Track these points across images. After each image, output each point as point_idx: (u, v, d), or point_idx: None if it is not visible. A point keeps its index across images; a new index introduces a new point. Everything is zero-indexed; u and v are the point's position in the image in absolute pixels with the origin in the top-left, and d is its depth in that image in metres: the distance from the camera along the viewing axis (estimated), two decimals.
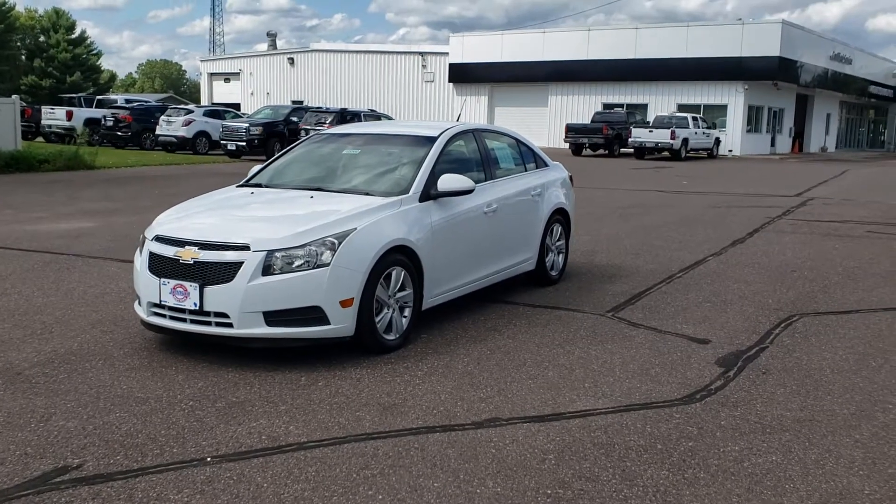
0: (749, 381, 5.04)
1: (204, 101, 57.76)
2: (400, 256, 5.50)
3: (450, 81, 47.45)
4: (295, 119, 27.50)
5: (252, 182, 6.57)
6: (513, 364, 5.28)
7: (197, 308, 5.03)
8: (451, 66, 46.95)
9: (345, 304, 5.10)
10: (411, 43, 54.96)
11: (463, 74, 46.58)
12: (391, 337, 5.48)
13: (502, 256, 6.89)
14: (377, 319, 5.34)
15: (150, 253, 5.34)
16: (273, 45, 60.63)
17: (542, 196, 7.52)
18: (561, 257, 7.96)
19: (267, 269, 4.99)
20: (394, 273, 5.46)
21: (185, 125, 28.89)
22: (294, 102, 43.63)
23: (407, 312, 5.64)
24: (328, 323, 5.08)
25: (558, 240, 7.87)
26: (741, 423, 4.34)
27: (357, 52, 53.28)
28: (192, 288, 5.03)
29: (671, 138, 33.72)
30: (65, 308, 6.59)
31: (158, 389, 4.71)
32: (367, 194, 5.84)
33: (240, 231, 5.22)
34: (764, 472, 3.77)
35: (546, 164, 7.96)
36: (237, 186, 6.54)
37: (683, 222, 12.96)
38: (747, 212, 14.63)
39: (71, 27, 70.94)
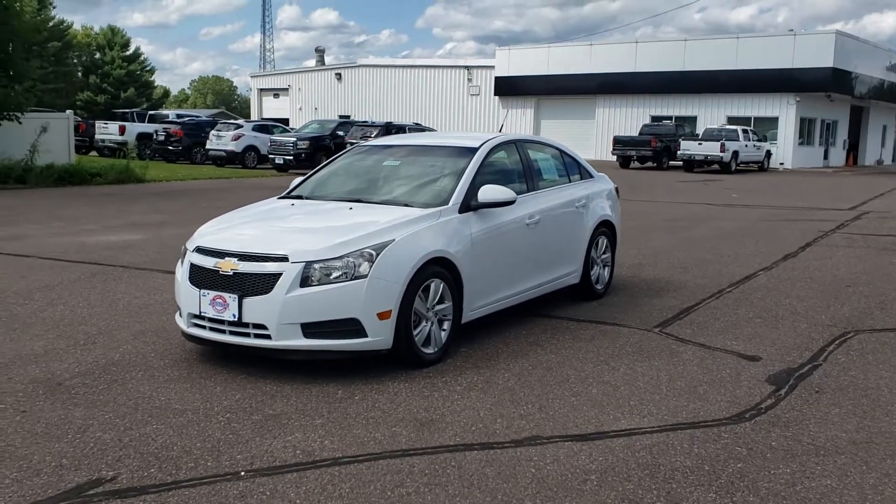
0: (801, 401, 4.83)
1: (254, 116, 58.61)
2: (439, 268, 5.41)
3: (495, 94, 47.40)
4: (341, 133, 27.69)
5: (293, 194, 6.56)
6: (555, 380, 5.15)
7: (236, 319, 5.00)
8: (497, 79, 46.90)
9: (382, 316, 5.03)
10: (457, 57, 55.15)
11: (509, 87, 46.50)
12: (429, 350, 5.39)
13: (545, 269, 6.76)
14: (415, 332, 5.26)
15: (191, 264, 5.33)
16: (321, 61, 61.30)
17: (587, 208, 7.38)
18: (606, 270, 7.79)
19: (305, 281, 4.95)
20: (432, 285, 5.38)
21: (235, 139, 29.26)
22: (341, 117, 43.98)
23: (446, 325, 5.55)
24: (365, 335, 5.01)
25: (603, 253, 7.72)
26: (793, 445, 4.15)
27: (403, 66, 53.58)
28: (231, 299, 5.01)
29: (721, 151, 33.18)
30: (109, 319, 6.64)
31: (196, 401, 4.68)
32: (407, 205, 5.77)
33: (279, 242, 5.19)
34: (818, 496, 3.58)
35: (591, 176, 7.82)
36: (279, 198, 6.53)
37: (733, 235, 12.66)
38: (799, 225, 14.25)
39: (126, 44, 72.57)
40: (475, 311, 5.90)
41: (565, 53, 45.27)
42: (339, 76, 55.45)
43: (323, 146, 27.23)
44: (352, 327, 4.98)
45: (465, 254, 5.63)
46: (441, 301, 5.47)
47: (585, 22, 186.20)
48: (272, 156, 27.31)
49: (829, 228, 13.58)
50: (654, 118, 41.88)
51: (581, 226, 7.29)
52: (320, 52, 61.59)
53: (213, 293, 5.09)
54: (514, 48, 47.72)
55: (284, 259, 4.99)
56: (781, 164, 39.04)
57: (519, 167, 6.72)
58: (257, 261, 5.04)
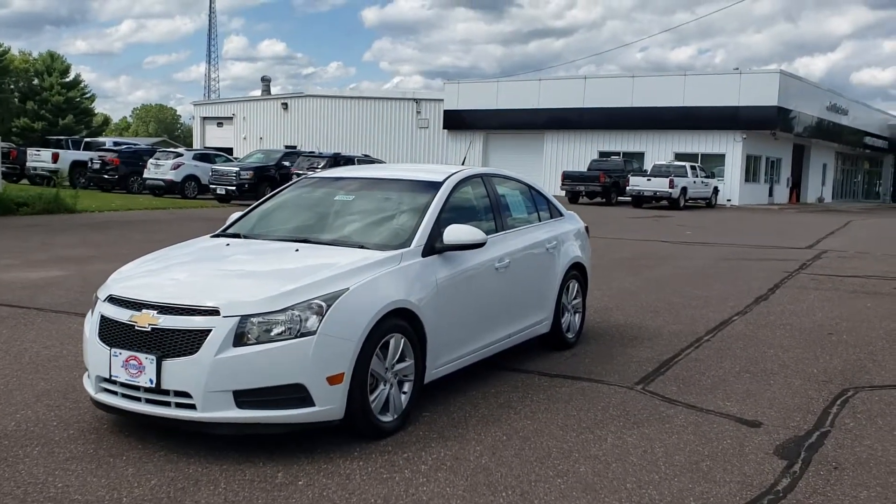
0: (821, 480, 4.16)
1: (196, 144, 57.24)
2: (399, 321, 4.64)
3: (444, 128, 47.00)
4: (287, 163, 26.80)
5: (230, 231, 5.72)
6: (535, 455, 4.39)
7: (153, 385, 4.14)
8: (446, 112, 46.53)
9: (333, 380, 4.22)
10: (405, 91, 54.62)
11: (458, 121, 46.15)
12: (388, 418, 4.59)
13: (515, 318, 6.03)
14: (372, 398, 4.46)
15: (102, 317, 4.46)
16: (267, 90, 60.28)
17: (558, 249, 6.70)
18: (577, 317, 7.11)
19: (239, 339, 4.12)
20: (392, 341, 4.60)
21: (174, 168, 28.12)
22: (287, 147, 42.93)
23: (407, 387, 4.76)
24: (312, 404, 4.19)
25: (574, 298, 7.03)
26: None
27: (351, 97, 52.93)
28: (147, 361, 4.15)
29: (670, 187, 33.18)
30: (10, 375, 5.69)
31: (101, 489, 3.81)
32: (362, 247, 4.99)
33: (208, 291, 4.36)
34: None
35: (561, 214, 7.15)
36: (212, 237, 5.69)
37: (697, 276, 12.15)
38: (762, 265, 13.83)
39: (65, 70, 70.61)
40: (439, 370, 5.13)
41: (514, 88, 45.13)
42: (285, 106, 54.52)
43: (267, 176, 26.29)
44: (296, 395, 4.17)
45: (428, 304, 4.87)
46: (402, 359, 4.69)
47: (530, 59, 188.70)
48: (214, 186, 26.24)
49: (793, 269, 13.17)
50: (602, 154, 41.86)
51: (552, 269, 6.59)
52: (266, 82, 60.62)
53: (126, 353, 4.23)
54: (463, 82, 47.50)
55: (214, 312, 4.16)
56: (728, 200, 39.26)
57: (486, 204, 6.01)
58: (181, 314, 4.20)
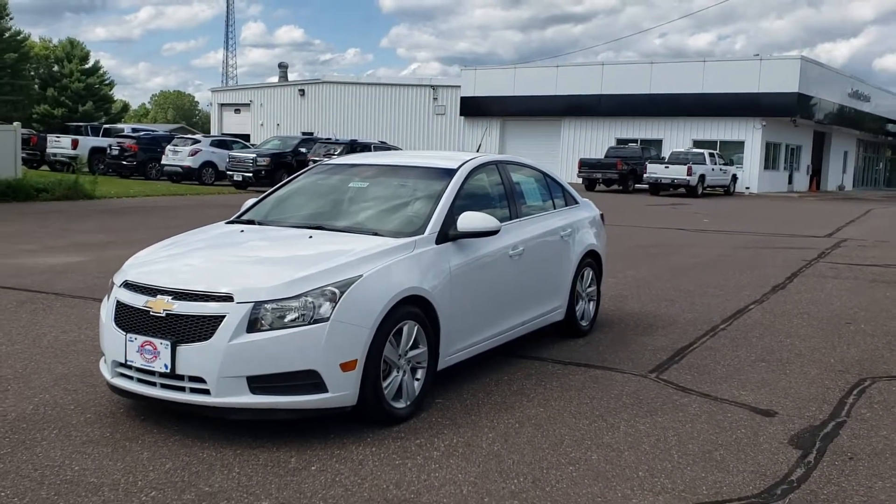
0: (836, 470, 4.13)
1: (214, 131, 57.44)
2: (413, 308, 4.64)
3: (461, 115, 46.88)
4: (304, 150, 26.83)
5: (244, 218, 5.74)
6: (548, 442, 4.39)
7: (168, 370, 4.18)
8: (463, 99, 46.41)
9: (346, 367, 4.24)
10: (422, 77, 54.53)
11: (475, 108, 46.02)
12: (401, 405, 4.61)
13: (529, 306, 6.03)
14: (385, 384, 4.48)
15: (117, 302, 4.49)
16: (284, 77, 60.36)
17: (573, 237, 6.68)
18: (592, 305, 7.09)
19: (253, 325, 4.14)
20: (405, 328, 4.60)
21: (192, 155, 28.24)
22: (304, 134, 43.08)
23: (420, 374, 4.77)
24: (325, 390, 4.21)
25: (589, 286, 7.01)
26: None
27: (368, 84, 52.91)
28: (162, 346, 4.18)
29: (688, 174, 32.91)
30: (29, 359, 5.76)
31: (116, 472, 3.85)
32: (376, 234, 5.00)
33: (222, 277, 4.38)
34: None
35: (576, 202, 7.12)
36: (226, 223, 5.71)
37: (713, 264, 12.08)
38: (780, 253, 13.73)
39: (85, 57, 70.94)
40: (453, 357, 5.14)
41: (531, 75, 44.92)
42: (302, 92, 54.58)
43: (284, 163, 26.32)
44: (309, 381, 4.18)
45: (442, 291, 4.87)
46: (415, 346, 4.70)
47: (548, 45, 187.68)
48: (230, 172, 26.32)
49: (812, 257, 13.06)
50: (620, 141, 41.63)
51: (567, 257, 6.58)
52: (283, 68, 60.69)
53: (141, 338, 4.26)
54: (479, 69, 47.32)
55: (228, 298, 4.18)
56: (747, 188, 38.97)
57: (501, 191, 5.99)
58: (196, 300, 4.22)
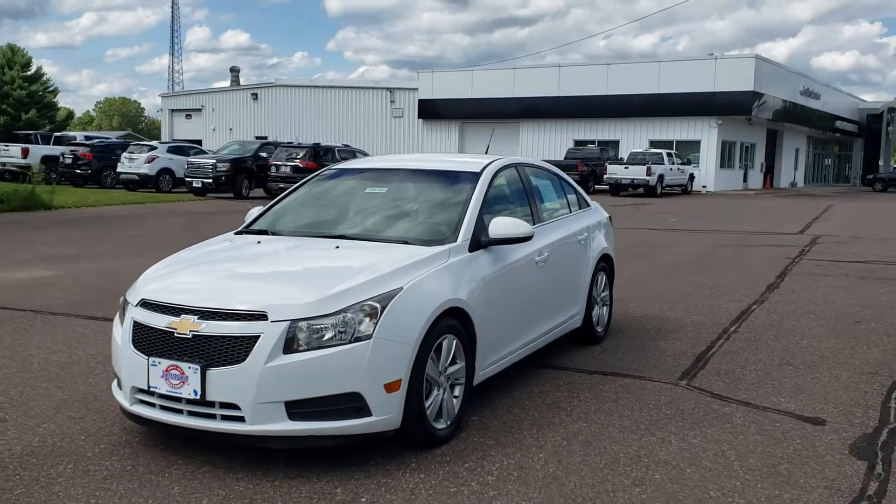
0: None
1: (164, 137, 56.24)
2: (452, 321, 4.35)
3: (419, 117, 46.61)
4: (264, 154, 26.25)
5: (254, 228, 5.38)
6: (603, 461, 4.14)
7: (198, 397, 3.82)
8: (421, 101, 46.14)
9: (390, 387, 3.93)
10: (378, 80, 54.11)
11: (432, 110, 45.79)
12: (442, 425, 4.31)
13: (553, 314, 5.79)
14: (427, 405, 4.18)
15: (135, 323, 4.12)
16: (236, 81, 59.34)
17: (589, 241, 6.46)
18: (605, 310, 6.87)
19: (289, 345, 3.81)
20: (445, 343, 4.31)
21: (148, 162, 27.44)
22: (258, 138, 42.36)
23: (458, 391, 4.48)
24: (369, 414, 3.89)
25: (603, 290, 6.79)
26: None
27: (323, 87, 52.27)
28: (191, 371, 3.83)
29: (647, 175, 33.12)
30: (22, 384, 5.33)
31: None
32: (406, 243, 4.69)
33: (252, 294, 4.03)
34: None
35: (588, 205, 6.90)
36: (236, 234, 5.34)
37: (698, 264, 11.99)
38: (760, 251, 13.73)
39: (27, 64, 68.80)
40: (487, 370, 4.86)
41: (488, 77, 44.82)
42: (255, 96, 53.74)
43: (245, 168, 25.77)
44: (352, 404, 3.87)
45: (477, 301, 4.59)
46: (453, 362, 4.41)
47: (496, 48, 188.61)
48: (189, 179, 25.63)
49: (794, 255, 13.07)
50: (578, 142, 41.75)
51: (584, 262, 6.35)
52: (235, 72, 59.66)
53: (166, 362, 3.90)
54: (437, 71, 47.09)
55: (262, 317, 3.84)
56: (704, 187, 39.37)
57: (522, 195, 5.73)
58: (225, 319, 3.88)
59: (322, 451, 4.07)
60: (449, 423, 4.37)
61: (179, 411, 3.93)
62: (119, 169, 28.00)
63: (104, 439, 4.36)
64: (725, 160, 41.38)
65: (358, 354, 3.84)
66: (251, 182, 25.86)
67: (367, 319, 3.92)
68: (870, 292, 9.50)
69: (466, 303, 4.46)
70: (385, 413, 3.93)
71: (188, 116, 57.05)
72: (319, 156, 24.38)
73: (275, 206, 5.63)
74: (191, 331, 3.88)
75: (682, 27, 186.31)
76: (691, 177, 37.28)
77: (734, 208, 26.77)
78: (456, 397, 4.46)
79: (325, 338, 3.85)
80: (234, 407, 3.80)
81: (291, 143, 28.00)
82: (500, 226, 4.85)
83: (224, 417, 3.85)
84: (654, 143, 39.57)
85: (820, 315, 8.08)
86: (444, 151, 45.42)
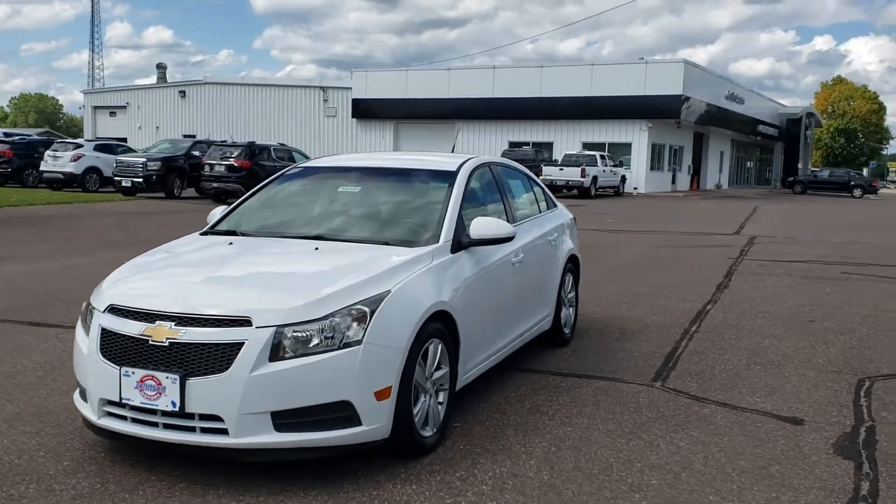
0: None
1: (87, 135, 54.39)
2: (437, 325, 4.20)
3: (353, 117, 46.19)
4: (197, 153, 25.55)
5: (219, 229, 5.12)
6: (596, 466, 4.05)
7: (176, 409, 3.58)
8: (355, 101, 45.72)
9: (381, 395, 3.76)
10: (311, 78, 53.44)
11: (366, 110, 45.43)
12: (429, 433, 4.16)
13: (527, 316, 5.69)
14: (415, 411, 4.02)
15: (103, 330, 3.84)
16: (163, 78, 57.90)
17: (558, 242, 6.39)
18: (572, 311, 6.81)
19: (275, 352, 3.61)
20: (431, 348, 4.16)
21: (74, 160, 26.41)
22: (186, 136, 41.39)
23: (442, 397, 4.34)
24: (359, 423, 3.71)
25: (570, 291, 6.73)
26: None
27: (254, 85, 51.38)
28: (168, 381, 3.58)
29: (581, 176, 33.48)
30: None
31: None
32: (386, 244, 4.52)
33: (234, 299, 3.81)
34: None
35: (555, 205, 6.84)
36: (202, 234, 5.07)
37: (646, 264, 12.11)
38: (702, 252, 13.95)
39: None
40: (468, 374, 4.73)
41: (423, 78, 44.70)
42: (183, 94, 52.48)
43: (176, 167, 25.02)
44: (341, 413, 3.68)
45: (461, 304, 4.45)
46: (438, 367, 4.26)
47: (425, 49, 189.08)
48: (118, 178, 24.76)
49: (735, 255, 13.31)
50: (513, 143, 41.95)
51: (555, 263, 6.28)
52: (162, 69, 58.23)
53: (140, 372, 3.64)
54: (371, 70, 46.74)
55: (245, 322, 3.62)
56: (635, 188, 40.00)
57: (496, 195, 5.62)
58: (206, 325, 3.64)
59: (303, 464, 3.87)
60: (435, 430, 4.22)
61: (154, 424, 3.68)
62: (42, 167, 26.89)
63: (66, 455, 4.06)
64: (655, 162, 42.15)
65: (347, 361, 3.66)
66: (183, 182, 25.16)
67: (356, 324, 3.74)
68: (816, 291, 9.70)
69: (451, 305, 4.32)
70: (375, 422, 3.75)
71: (112, 114, 55.37)
72: (254, 154, 23.85)
73: (240, 206, 5.37)
74: (167, 338, 3.63)
75: (606, 32, 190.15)
76: (623, 178, 37.84)
77: (667, 209, 27.26)
78: (441, 403, 4.31)
79: (313, 344, 3.66)
80: (217, 419, 3.58)
81: (225, 141, 27.31)
82: (482, 226, 4.72)
83: (204, 430, 3.62)
84: (586, 146, 40.03)
85: (773, 314, 8.19)
86: (380, 151, 45.14)
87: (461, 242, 4.66)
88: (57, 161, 26.61)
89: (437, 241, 4.53)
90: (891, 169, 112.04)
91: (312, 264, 4.29)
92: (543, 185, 6.81)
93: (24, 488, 3.66)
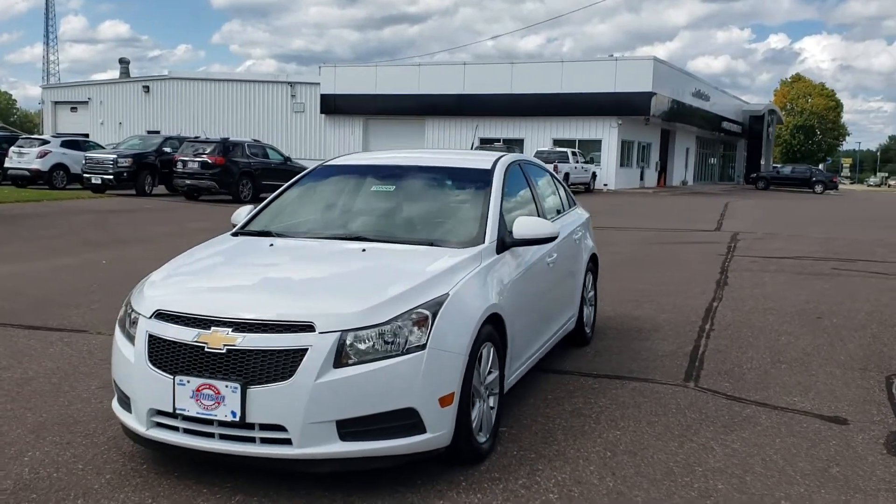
0: None
1: (47, 131, 53.10)
2: (489, 328, 4.08)
3: (322, 112, 45.75)
4: (168, 150, 25.05)
5: (250, 229, 4.92)
6: (657, 472, 3.96)
7: (237, 419, 3.42)
8: (323, 96, 45.29)
9: (444, 401, 3.63)
10: (278, 73, 52.86)
11: (335, 106, 45.02)
12: (482, 439, 4.04)
13: (558, 316, 5.60)
14: (472, 417, 3.90)
15: (151, 337, 3.66)
16: (126, 73, 56.79)
17: (582, 241, 6.30)
18: (591, 311, 6.73)
19: (339, 359, 3.46)
20: (484, 352, 4.04)
21: (41, 157, 25.75)
22: (150, 132, 40.65)
23: (493, 402, 4.22)
24: (423, 431, 3.58)
25: (590, 291, 6.66)
26: None
27: (220, 80, 50.61)
28: (228, 390, 3.42)
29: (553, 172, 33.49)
30: None
31: None
32: (431, 244, 4.39)
33: (294, 303, 3.65)
34: None
35: (574, 203, 6.76)
36: (233, 235, 4.88)
37: (639, 261, 12.11)
38: (690, 248, 14.01)
39: None
40: (511, 378, 4.61)
41: (393, 73, 44.41)
42: (146, 89, 51.53)
43: (147, 164, 24.51)
44: (406, 421, 3.54)
45: (508, 306, 4.33)
46: (490, 371, 4.14)
47: (385, 45, 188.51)
48: (88, 175, 24.18)
49: (724, 251, 13.37)
50: (484, 140, 41.85)
51: (580, 262, 6.20)
52: (125, 64, 57.05)
53: (197, 381, 3.47)
54: (339, 66, 46.33)
55: (308, 328, 3.47)
56: (605, 185, 40.19)
57: (528, 193, 5.51)
58: (266, 331, 3.48)
59: (353, 475, 3.72)
60: (488, 436, 4.10)
61: (210, 435, 3.52)
62: (7, 164, 26.18)
63: (105, 468, 3.87)
64: (625, 159, 42.38)
65: (412, 367, 3.53)
66: (155, 179, 24.67)
67: (417, 329, 3.60)
68: (815, 288, 9.76)
69: (501, 307, 4.20)
70: (439, 429, 3.63)
71: (73, 109, 54.19)
72: (228, 151, 23.43)
73: (269, 206, 5.18)
74: (225, 345, 3.46)
75: (566, 30, 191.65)
76: (594, 175, 37.98)
77: (641, 206, 27.40)
78: (492, 408, 4.20)
79: (376, 350, 3.52)
80: (279, 429, 3.42)
81: (198, 137, 26.81)
82: (526, 226, 4.61)
83: (265, 440, 3.46)
84: (557, 142, 40.10)
85: (781, 311, 8.20)
86: (349, 147, 44.88)
87: (505, 242, 4.54)
88: (22, 158, 25.94)
89: (483, 242, 4.41)
90: (844, 165, 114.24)
91: (364, 267, 4.13)
92: (564, 184, 6.72)
93: (70, 503, 3.47)
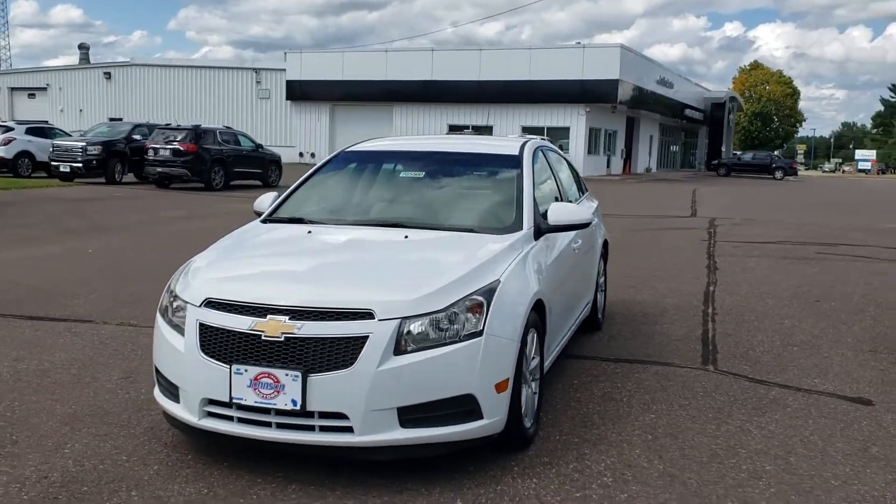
0: None
1: (4, 117, 51.88)
2: (534, 314, 4.08)
3: (287, 99, 45.30)
4: (138, 137, 24.62)
5: (279, 216, 4.85)
6: (703, 454, 4.01)
7: (297, 407, 3.38)
8: (289, 83, 44.85)
9: (500, 387, 3.63)
10: (234, 61, 52.15)
11: (301, 92, 44.60)
12: (528, 423, 4.05)
13: (579, 302, 5.63)
14: (521, 402, 3.90)
15: (202, 325, 3.60)
16: (86, 59, 55.61)
17: (597, 226, 6.33)
18: (602, 296, 6.78)
19: (399, 346, 3.44)
20: (529, 338, 4.04)
21: (4, 144, 25.13)
22: (112, 119, 39.94)
23: (535, 387, 4.23)
24: (480, 417, 3.57)
25: (601, 276, 6.70)
26: None
27: (184, 66, 49.82)
28: (289, 378, 3.38)
29: None
30: (4, 397, 4.61)
31: None
32: (472, 231, 4.37)
33: (352, 290, 3.61)
34: None
35: (586, 189, 6.78)
36: (263, 222, 4.81)
37: (626, 247, 12.15)
38: (671, 234, 14.17)
39: None
40: (547, 362, 4.62)
41: (360, 59, 44.12)
42: (108, 75, 50.56)
43: (117, 151, 24.06)
44: (464, 407, 3.53)
45: (547, 291, 4.34)
46: (533, 356, 4.15)
47: (344, 31, 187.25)
48: (56, 163, 23.65)
49: (705, 237, 13.56)
50: (452, 127, 41.77)
51: (595, 248, 6.24)
52: (85, 49, 55.85)
53: (255, 370, 3.42)
54: (306, 52, 45.88)
55: (368, 315, 3.44)
56: None
57: (552, 179, 5.51)
58: (325, 318, 3.44)
59: (407, 462, 3.69)
60: (532, 421, 4.11)
61: (267, 424, 3.47)
62: None
63: (150, 458, 3.81)
64: (592, 146, 42.64)
65: (470, 353, 3.52)
66: (124, 166, 24.23)
67: (473, 315, 3.59)
68: (804, 272, 9.93)
69: (543, 293, 4.21)
70: (495, 415, 3.63)
71: (31, 96, 52.97)
72: (200, 138, 23.08)
73: (295, 193, 5.10)
74: (283, 333, 3.42)
75: (525, 17, 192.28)
76: None
77: (611, 193, 27.56)
78: (535, 393, 4.21)
79: (435, 336, 3.50)
80: (340, 416, 3.39)
81: (169, 124, 26.35)
82: (561, 212, 4.62)
83: (324, 428, 3.43)
84: (526, 129, 40.08)
85: (777, 295, 8.33)
86: (316, 134, 44.51)
87: (540, 228, 4.54)
88: None
89: (521, 228, 4.41)
90: (799, 151, 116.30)
91: (412, 254, 4.11)
92: (577, 170, 6.74)
93: (125, 496, 3.41)
